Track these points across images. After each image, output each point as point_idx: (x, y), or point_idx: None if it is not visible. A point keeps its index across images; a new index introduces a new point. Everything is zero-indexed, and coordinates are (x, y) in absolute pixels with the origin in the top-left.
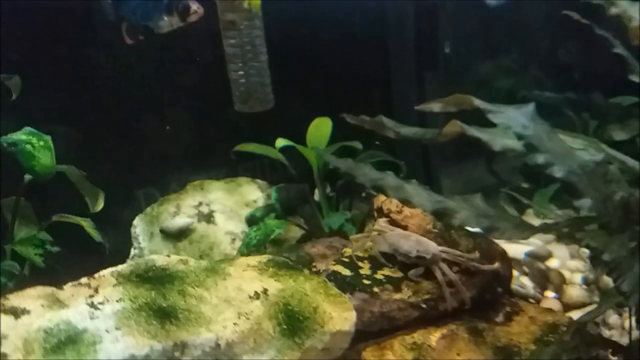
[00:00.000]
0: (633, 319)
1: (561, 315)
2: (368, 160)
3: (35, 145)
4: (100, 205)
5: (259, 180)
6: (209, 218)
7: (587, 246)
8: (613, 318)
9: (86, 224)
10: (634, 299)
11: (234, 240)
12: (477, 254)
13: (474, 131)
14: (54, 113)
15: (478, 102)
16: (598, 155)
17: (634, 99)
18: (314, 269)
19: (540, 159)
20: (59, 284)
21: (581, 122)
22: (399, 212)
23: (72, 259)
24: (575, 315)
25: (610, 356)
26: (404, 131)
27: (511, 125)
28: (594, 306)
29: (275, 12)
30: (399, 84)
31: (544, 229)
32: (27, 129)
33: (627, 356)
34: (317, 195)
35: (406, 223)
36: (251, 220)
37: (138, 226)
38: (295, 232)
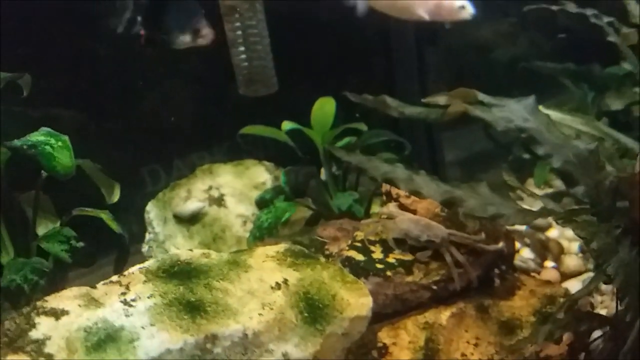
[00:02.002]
0: (618, 299)
1: (558, 287)
2: (373, 139)
3: (55, 146)
4: (116, 196)
5: (266, 162)
6: (219, 201)
7: (577, 235)
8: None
9: (106, 216)
10: (617, 280)
11: (245, 222)
12: (482, 235)
13: (477, 111)
14: (60, 97)
15: (482, 96)
16: (592, 143)
17: (628, 68)
18: (327, 252)
19: (540, 150)
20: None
21: (580, 92)
22: (408, 196)
23: (94, 251)
24: (572, 283)
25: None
26: (408, 111)
27: (513, 118)
28: (589, 274)
29: None
30: (400, 62)
31: (543, 213)
32: (44, 129)
33: (613, 328)
34: (323, 175)
35: (415, 207)
36: (261, 203)
37: (151, 211)
38: (304, 213)
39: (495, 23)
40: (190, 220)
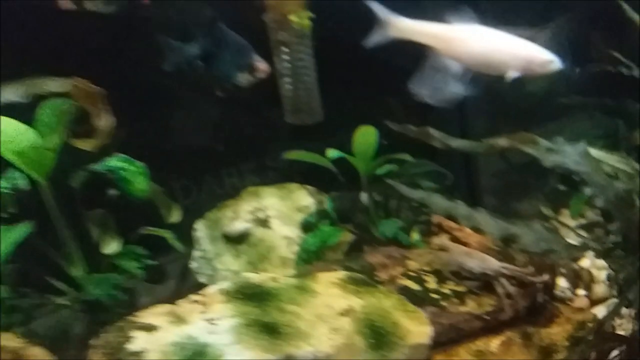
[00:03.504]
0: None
1: (588, 313)
2: (417, 170)
3: (131, 172)
4: (175, 217)
5: (308, 187)
6: (265, 223)
7: (610, 267)
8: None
9: (169, 235)
10: (636, 305)
11: (289, 244)
12: (531, 268)
13: (532, 151)
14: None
15: (541, 141)
16: (628, 183)
17: None
18: (376, 278)
19: (588, 191)
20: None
21: (613, 127)
22: (461, 229)
23: (164, 268)
24: (599, 309)
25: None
26: (454, 143)
27: (567, 162)
28: (613, 300)
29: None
30: None
31: (584, 249)
32: (121, 156)
33: (629, 347)
34: (363, 199)
35: (468, 240)
36: (306, 226)
37: (200, 230)
38: (346, 237)
39: None
40: (237, 240)
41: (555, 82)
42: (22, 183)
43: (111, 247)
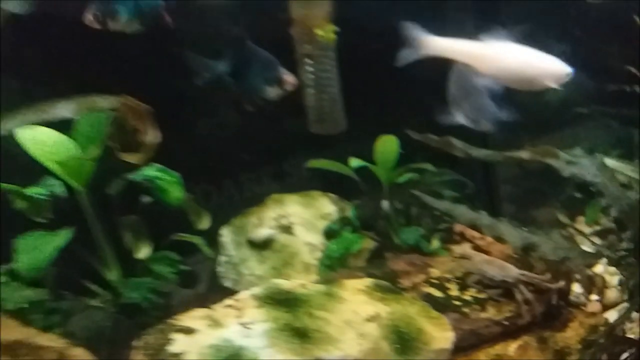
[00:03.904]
0: None
1: (600, 317)
2: (436, 178)
3: (167, 181)
4: (205, 224)
5: (331, 194)
6: (288, 229)
7: (622, 273)
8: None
9: (200, 241)
10: None
11: (312, 250)
12: (548, 275)
13: (552, 162)
14: None
15: (561, 154)
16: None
17: None
18: (399, 285)
19: (603, 202)
20: None
21: (628, 136)
22: (482, 238)
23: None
24: (611, 313)
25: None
26: (475, 153)
27: (584, 173)
28: (624, 304)
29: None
30: None
31: (598, 257)
32: (157, 166)
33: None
34: (384, 207)
35: (489, 249)
36: (329, 233)
37: (225, 235)
38: (367, 244)
39: None
40: (262, 246)
41: (572, 92)
42: (59, 190)
43: (143, 252)
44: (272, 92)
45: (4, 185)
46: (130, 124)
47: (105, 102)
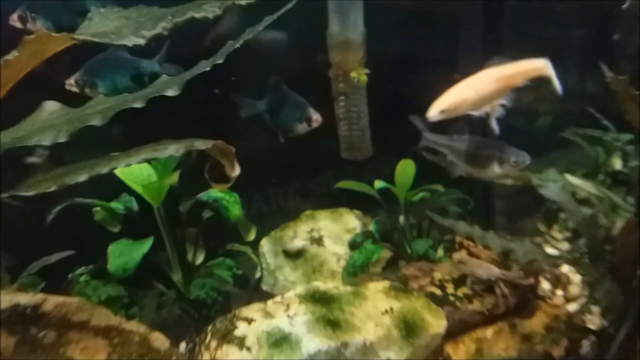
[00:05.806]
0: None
1: (563, 309)
2: (445, 198)
3: (229, 201)
4: (252, 236)
5: (356, 211)
6: (319, 241)
7: (578, 272)
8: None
9: (249, 251)
10: (602, 303)
11: (338, 260)
12: (521, 273)
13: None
14: None
15: (533, 178)
16: (594, 207)
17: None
18: (410, 287)
19: (562, 215)
20: None
21: (594, 154)
22: (475, 246)
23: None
24: (573, 306)
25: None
26: (476, 174)
27: (549, 194)
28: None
29: None
30: None
31: (559, 258)
32: None
33: (598, 339)
34: (402, 222)
35: (479, 254)
36: (353, 245)
37: (265, 246)
38: (385, 253)
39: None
40: (296, 255)
41: (559, 117)
42: (132, 205)
43: (199, 259)
44: (301, 127)
45: (97, 201)
46: (221, 162)
47: (200, 144)
